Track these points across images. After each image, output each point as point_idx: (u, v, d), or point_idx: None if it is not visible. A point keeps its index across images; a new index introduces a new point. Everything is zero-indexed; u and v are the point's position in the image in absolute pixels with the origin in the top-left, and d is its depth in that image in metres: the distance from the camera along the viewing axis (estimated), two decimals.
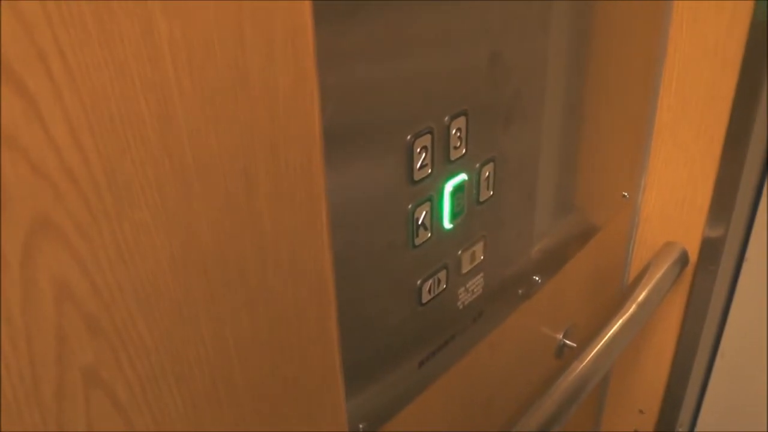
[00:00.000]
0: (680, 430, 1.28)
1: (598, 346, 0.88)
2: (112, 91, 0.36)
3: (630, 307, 0.95)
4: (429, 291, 0.64)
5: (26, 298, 0.36)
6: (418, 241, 0.60)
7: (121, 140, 0.37)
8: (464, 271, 0.68)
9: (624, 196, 1.07)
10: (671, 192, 1.11)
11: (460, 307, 0.70)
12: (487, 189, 0.68)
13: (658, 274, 1.02)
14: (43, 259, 0.36)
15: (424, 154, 0.57)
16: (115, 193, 0.38)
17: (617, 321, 0.93)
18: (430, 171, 0.59)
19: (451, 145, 0.60)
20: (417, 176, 0.57)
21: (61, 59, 0.34)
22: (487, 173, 0.67)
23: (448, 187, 0.62)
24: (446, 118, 0.59)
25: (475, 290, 0.71)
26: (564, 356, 1.01)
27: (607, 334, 0.90)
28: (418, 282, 0.63)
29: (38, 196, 0.35)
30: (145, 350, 0.43)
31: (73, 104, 0.35)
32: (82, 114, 0.35)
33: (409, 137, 0.55)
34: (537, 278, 0.85)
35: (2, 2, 0.31)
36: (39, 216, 0.35)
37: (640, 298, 0.97)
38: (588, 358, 0.85)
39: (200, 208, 0.42)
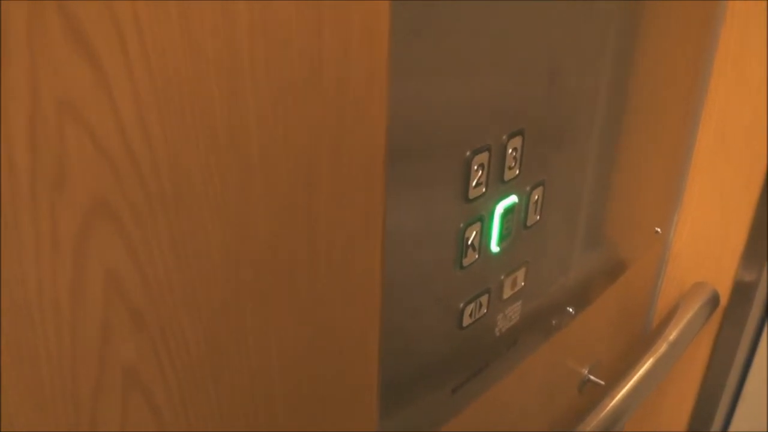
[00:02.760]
0: None
1: (629, 384, 0.85)
2: (185, 73, 0.34)
3: (661, 346, 0.92)
4: (470, 315, 0.62)
5: (76, 285, 0.34)
6: (465, 262, 0.58)
7: (188, 125, 0.35)
8: (505, 296, 0.66)
9: (657, 231, 1.04)
10: (704, 231, 1.08)
11: (497, 333, 0.68)
12: (535, 213, 0.65)
13: (690, 314, 0.99)
14: (97, 245, 0.34)
15: (480, 172, 0.55)
16: (175, 181, 0.36)
17: (648, 359, 0.90)
18: (484, 190, 0.56)
19: (507, 164, 0.58)
20: (472, 194, 0.55)
21: (137, 34, 0.32)
22: (536, 197, 0.64)
23: (499, 208, 0.60)
24: (504, 137, 0.57)
25: (513, 317, 0.69)
26: (586, 391, 0.99)
27: (637, 371, 0.87)
28: (461, 304, 0.60)
29: (98, 176, 0.33)
30: (187, 351, 0.40)
31: (144, 82, 0.33)
32: (151, 94, 0.33)
33: (468, 153, 0.53)
34: (571, 309, 0.82)
35: None
36: (97, 198, 0.33)
37: (672, 336, 0.94)
38: (619, 395, 0.82)
39: (260, 205, 0.40)
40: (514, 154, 0.59)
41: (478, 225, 0.58)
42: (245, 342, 0.43)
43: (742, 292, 1.06)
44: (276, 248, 0.42)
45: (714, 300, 1.05)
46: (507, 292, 0.66)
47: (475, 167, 0.54)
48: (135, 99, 0.33)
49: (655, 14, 0.73)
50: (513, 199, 0.61)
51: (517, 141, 0.58)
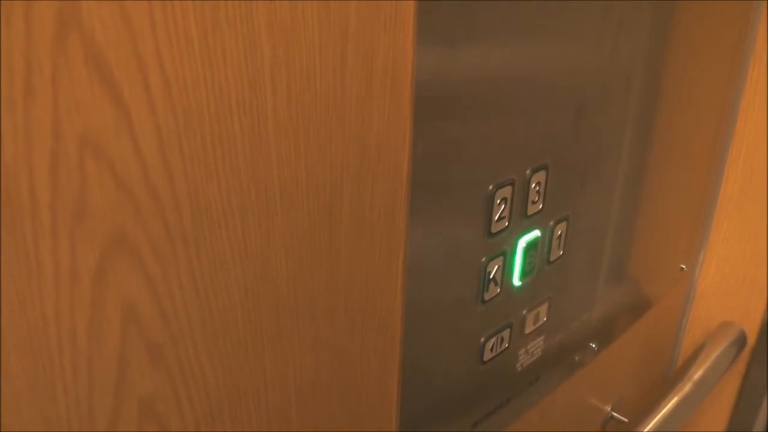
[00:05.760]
0: None
1: (653, 423, 0.84)
2: (208, 110, 0.34)
3: (686, 385, 0.91)
4: (492, 349, 0.61)
5: (93, 319, 0.34)
6: (487, 296, 0.57)
7: (210, 163, 0.35)
8: (527, 331, 0.65)
9: (682, 268, 1.03)
10: (731, 269, 1.06)
11: (519, 369, 0.67)
12: (558, 249, 0.65)
13: (716, 353, 0.97)
14: (115, 279, 0.34)
15: (503, 206, 0.55)
16: (196, 218, 0.36)
17: (672, 398, 0.89)
18: (507, 224, 0.56)
19: (530, 199, 0.58)
20: (494, 228, 0.55)
21: (160, 71, 0.32)
22: (559, 232, 0.64)
23: (522, 242, 0.59)
24: (528, 171, 0.56)
25: (535, 352, 0.68)
26: (609, 429, 0.97)
27: (661, 410, 0.86)
28: (482, 339, 0.60)
29: (119, 211, 0.33)
30: (205, 387, 0.40)
31: (166, 120, 0.33)
32: (174, 131, 0.33)
33: (491, 187, 0.53)
34: (594, 345, 0.81)
35: (112, 5, 0.29)
36: (117, 233, 0.33)
37: (697, 376, 0.92)
38: None
39: (280, 243, 0.40)
40: (537, 188, 0.58)
41: (500, 259, 0.57)
42: (264, 380, 0.43)
43: None
44: (296, 285, 0.42)
45: (741, 340, 1.03)
46: (529, 327, 0.65)
47: (498, 201, 0.54)
48: (157, 135, 0.33)
49: (683, 50, 0.73)
50: (536, 233, 0.60)
51: (541, 175, 0.58)
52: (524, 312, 0.64)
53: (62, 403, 0.34)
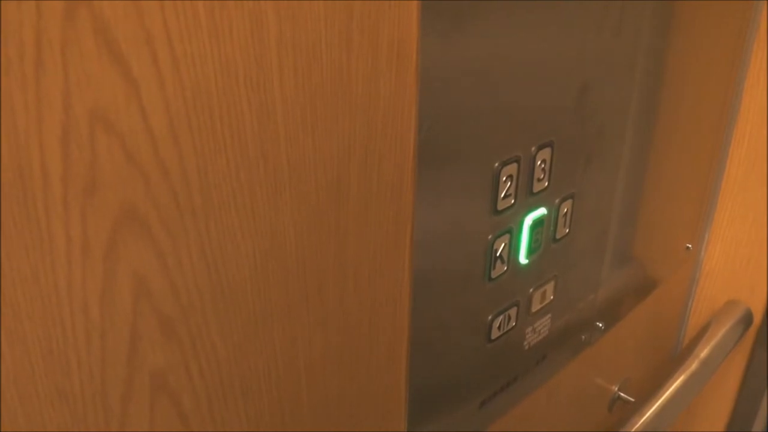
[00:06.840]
0: None
1: (659, 402, 0.84)
2: (215, 86, 0.35)
3: (692, 364, 0.91)
4: (499, 327, 0.61)
5: (105, 292, 0.34)
6: (494, 274, 0.58)
7: (218, 138, 0.36)
8: (534, 310, 0.66)
9: (687, 247, 1.03)
10: (737, 248, 1.07)
11: (526, 347, 0.67)
12: (564, 226, 0.65)
13: (721, 332, 0.97)
14: (126, 253, 0.34)
15: (509, 184, 0.55)
16: (205, 193, 0.36)
17: (679, 377, 0.89)
18: (513, 202, 0.56)
19: (535, 176, 0.58)
20: (500, 206, 0.55)
21: (168, 46, 0.32)
22: (565, 210, 0.64)
23: (528, 220, 0.59)
24: (533, 148, 0.57)
25: (541, 331, 0.69)
26: (616, 410, 0.98)
27: (668, 389, 0.86)
28: (489, 317, 0.60)
29: (129, 185, 0.33)
30: (216, 360, 0.40)
31: (174, 94, 0.33)
32: (182, 106, 0.34)
33: (497, 164, 0.53)
34: (600, 324, 0.81)
35: None
36: (127, 206, 0.34)
37: (703, 354, 0.93)
38: (649, 412, 0.81)
39: (288, 218, 0.40)
40: (543, 165, 0.58)
41: (506, 237, 0.58)
42: (273, 355, 0.43)
43: None
44: (305, 260, 0.43)
45: (747, 319, 1.03)
46: (536, 306, 0.66)
47: (504, 178, 0.54)
48: (165, 110, 0.33)
49: (687, 30, 0.73)
50: (542, 211, 0.61)
51: (546, 153, 0.58)
52: (531, 290, 0.64)
53: (76, 375, 0.35)
